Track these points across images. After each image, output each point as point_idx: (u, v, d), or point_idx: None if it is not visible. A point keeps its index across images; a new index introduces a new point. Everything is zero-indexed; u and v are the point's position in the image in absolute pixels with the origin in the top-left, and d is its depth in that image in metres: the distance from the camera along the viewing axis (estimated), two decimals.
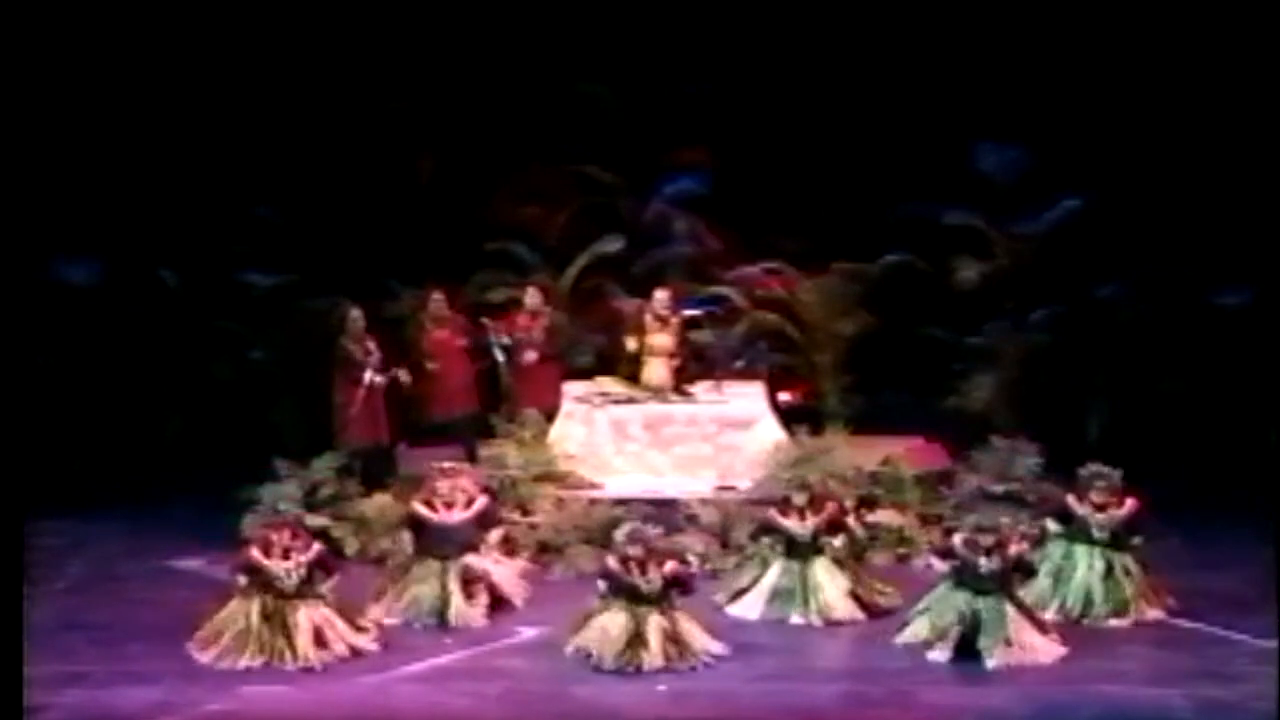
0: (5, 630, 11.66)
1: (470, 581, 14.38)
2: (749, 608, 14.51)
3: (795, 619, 14.29)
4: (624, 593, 13.29)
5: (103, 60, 18.90)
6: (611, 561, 13.45)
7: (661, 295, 17.32)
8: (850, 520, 15.06)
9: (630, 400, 17.14)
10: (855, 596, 14.42)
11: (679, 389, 17.18)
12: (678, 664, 13.12)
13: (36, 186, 17.32)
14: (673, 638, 13.18)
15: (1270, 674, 12.72)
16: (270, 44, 19.08)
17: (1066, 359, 19.01)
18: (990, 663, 13.14)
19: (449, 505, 14.64)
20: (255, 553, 13.55)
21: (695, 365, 17.60)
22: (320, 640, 13.33)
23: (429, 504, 14.67)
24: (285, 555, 13.51)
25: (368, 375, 16.79)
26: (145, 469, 18.59)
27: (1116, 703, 12.58)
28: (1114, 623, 14.08)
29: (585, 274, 19.30)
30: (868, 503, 16.17)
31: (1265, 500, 16.16)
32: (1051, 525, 14.61)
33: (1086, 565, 14.25)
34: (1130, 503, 14.42)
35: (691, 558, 15.62)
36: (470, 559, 14.52)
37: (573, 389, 17.46)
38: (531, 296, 17.58)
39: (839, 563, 14.56)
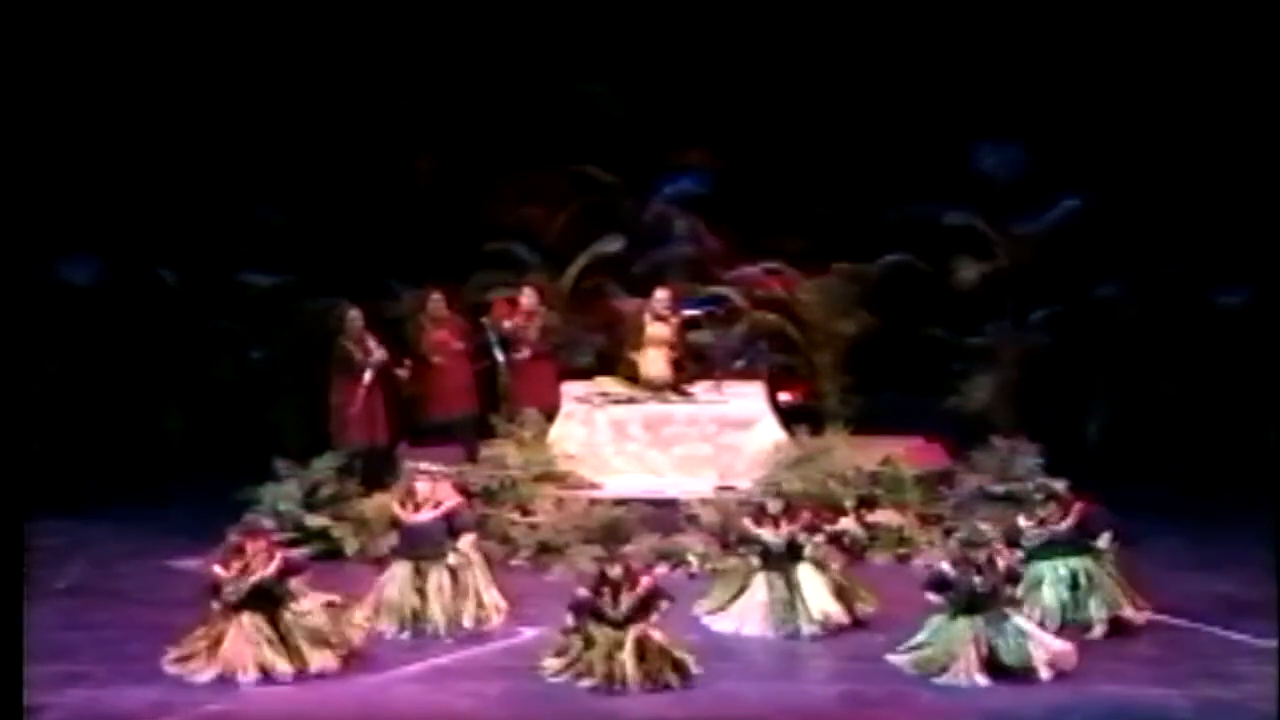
0: (5, 630, 11.67)
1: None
2: (737, 623, 14.11)
3: (791, 629, 13.99)
4: (593, 618, 13.01)
5: (103, 61, 18.91)
6: (582, 591, 13.13)
7: (661, 295, 17.34)
8: (825, 525, 14.79)
9: (630, 400, 17.15)
10: (841, 598, 14.14)
11: (678, 388, 17.19)
12: (666, 678, 12.83)
13: (37, 187, 17.34)
14: (648, 655, 12.83)
15: (1270, 674, 12.72)
16: (270, 44, 19.10)
17: (1066, 359, 19.01)
18: (1044, 673, 12.83)
19: (420, 507, 14.38)
20: (216, 568, 13.32)
21: (695, 365, 17.62)
22: (290, 648, 13.09)
23: (404, 505, 14.51)
24: (245, 569, 13.19)
25: (367, 375, 16.80)
26: (145, 469, 18.60)
27: (1116, 703, 12.57)
28: (1096, 633, 13.73)
29: (585, 274, 19.31)
30: (868, 503, 16.18)
31: (1265, 500, 16.17)
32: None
33: (1052, 580, 13.87)
34: (1076, 508, 14.04)
35: (691, 558, 15.69)
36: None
37: (573, 389, 17.47)
38: (527, 296, 17.59)
39: (819, 565, 14.23)
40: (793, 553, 14.20)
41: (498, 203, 19.45)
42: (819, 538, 14.44)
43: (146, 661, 13.28)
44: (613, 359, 17.74)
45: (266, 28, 19.08)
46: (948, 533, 15.91)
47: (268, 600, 13.19)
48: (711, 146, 19.57)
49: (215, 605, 13.22)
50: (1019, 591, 13.41)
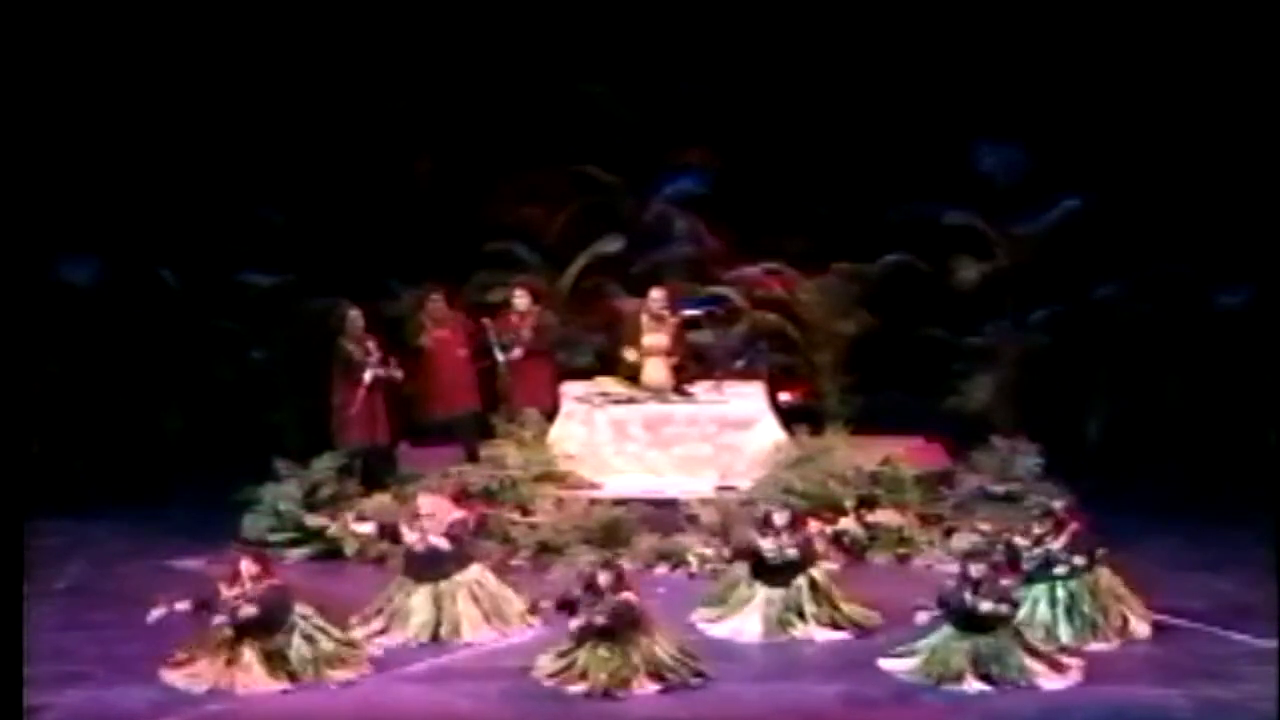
0: (5, 630, 11.67)
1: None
2: (733, 635, 14.02)
3: (793, 633, 13.95)
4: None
5: (104, 60, 18.89)
6: (573, 590, 13.10)
7: (657, 294, 17.30)
8: (822, 547, 14.73)
9: (630, 400, 17.13)
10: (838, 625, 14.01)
11: (679, 389, 17.19)
12: (672, 680, 12.82)
13: (37, 186, 17.34)
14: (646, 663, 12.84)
15: (1270, 674, 12.73)
16: (270, 44, 19.08)
17: (1066, 359, 19.00)
18: (1049, 685, 12.76)
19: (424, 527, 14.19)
20: (221, 585, 13.17)
21: (695, 365, 17.62)
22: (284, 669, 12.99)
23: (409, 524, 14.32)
24: (241, 595, 12.97)
25: (367, 375, 16.80)
26: (145, 469, 18.60)
27: (1116, 703, 12.58)
28: (1096, 646, 13.61)
29: (585, 274, 19.30)
30: (868, 503, 16.18)
31: (1265, 500, 16.17)
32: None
33: (1048, 599, 13.75)
34: (1070, 528, 13.88)
35: (691, 558, 15.68)
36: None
37: (573, 389, 17.47)
38: (519, 297, 17.58)
39: (816, 588, 14.06)
40: (792, 568, 14.06)
41: (498, 203, 19.44)
42: (826, 564, 14.38)
43: (146, 661, 13.27)
44: (613, 359, 17.73)
45: (266, 28, 19.06)
46: (948, 533, 15.97)
47: (267, 628, 13.01)
48: (711, 146, 19.56)
49: (214, 623, 13.01)
50: (1019, 614, 13.28)
